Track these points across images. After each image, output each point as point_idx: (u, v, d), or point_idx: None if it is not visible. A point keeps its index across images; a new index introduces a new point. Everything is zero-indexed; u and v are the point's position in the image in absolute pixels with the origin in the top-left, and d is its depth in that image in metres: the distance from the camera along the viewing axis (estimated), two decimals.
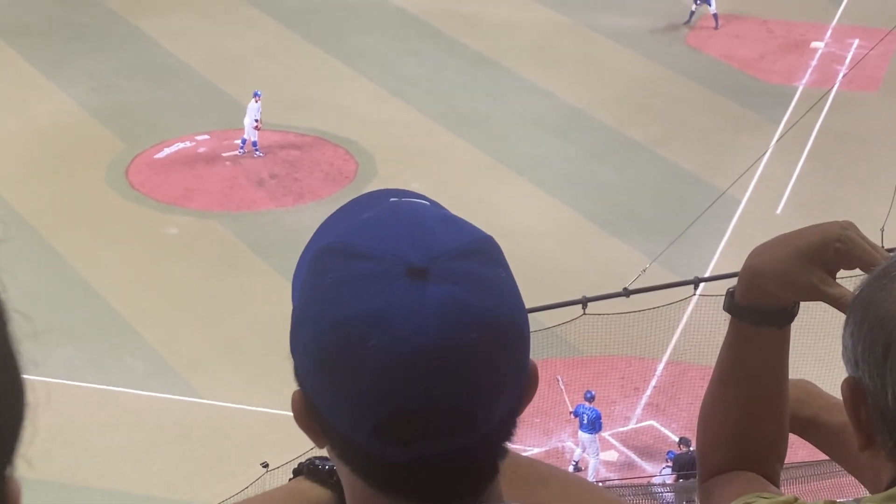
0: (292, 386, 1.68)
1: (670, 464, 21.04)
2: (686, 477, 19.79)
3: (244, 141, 31.11)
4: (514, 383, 1.61)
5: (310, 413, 1.64)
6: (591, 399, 21.54)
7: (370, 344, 1.52)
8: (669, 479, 20.85)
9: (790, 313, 2.38)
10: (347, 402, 1.56)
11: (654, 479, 21.23)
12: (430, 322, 1.52)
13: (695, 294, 18.13)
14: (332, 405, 1.59)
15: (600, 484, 18.28)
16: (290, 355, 1.65)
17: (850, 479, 2.54)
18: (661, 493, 20.79)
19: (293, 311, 1.65)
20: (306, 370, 1.62)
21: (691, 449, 20.62)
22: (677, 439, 21.47)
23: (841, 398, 1.84)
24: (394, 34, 37.58)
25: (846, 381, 1.79)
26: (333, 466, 1.88)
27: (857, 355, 1.76)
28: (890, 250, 2.14)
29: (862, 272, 1.97)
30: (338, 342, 1.55)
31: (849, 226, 2.25)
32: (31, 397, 1.28)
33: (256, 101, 30.80)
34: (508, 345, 1.58)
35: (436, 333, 1.52)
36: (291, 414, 1.69)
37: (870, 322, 1.73)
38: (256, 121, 30.74)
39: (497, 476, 1.67)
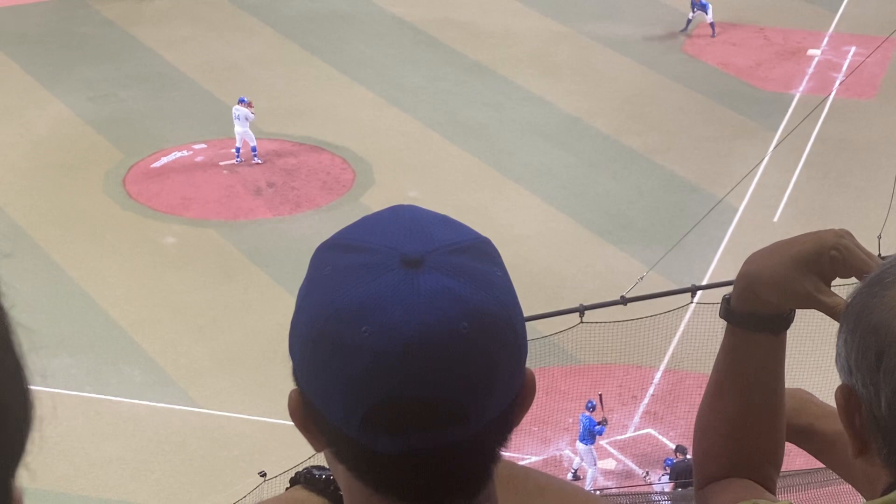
0: (290, 394, 1.68)
1: (668, 471, 21.04)
2: (684, 485, 19.79)
3: (239, 149, 31.11)
4: (507, 380, 1.62)
5: (305, 410, 1.65)
6: (591, 409, 21.52)
7: (362, 330, 1.54)
8: (667, 488, 20.84)
9: (786, 320, 2.38)
10: (340, 391, 1.57)
11: (653, 487, 21.21)
12: (422, 310, 1.54)
13: (692, 302, 18.14)
14: (325, 396, 1.60)
15: (598, 493, 18.27)
16: (289, 354, 1.67)
17: (848, 486, 2.54)
18: (659, 501, 20.78)
19: (294, 309, 1.67)
20: (302, 362, 1.63)
21: (688, 457, 20.63)
22: (674, 447, 21.47)
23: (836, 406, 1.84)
24: (391, 43, 37.62)
25: (840, 388, 1.80)
26: (331, 476, 1.88)
27: (850, 362, 1.76)
28: (884, 258, 2.14)
29: (857, 280, 1.98)
30: (331, 329, 1.57)
31: (844, 234, 2.26)
32: (39, 409, 1.30)
33: (246, 107, 30.75)
34: (500, 338, 1.59)
35: (427, 321, 1.54)
36: (290, 423, 1.69)
37: (862, 329, 1.73)
38: (250, 110, 30.61)
39: (491, 481, 1.68)
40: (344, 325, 1.56)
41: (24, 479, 1.30)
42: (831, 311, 2.17)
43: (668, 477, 21.06)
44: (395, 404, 1.55)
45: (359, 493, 1.66)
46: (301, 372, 1.64)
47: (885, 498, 1.73)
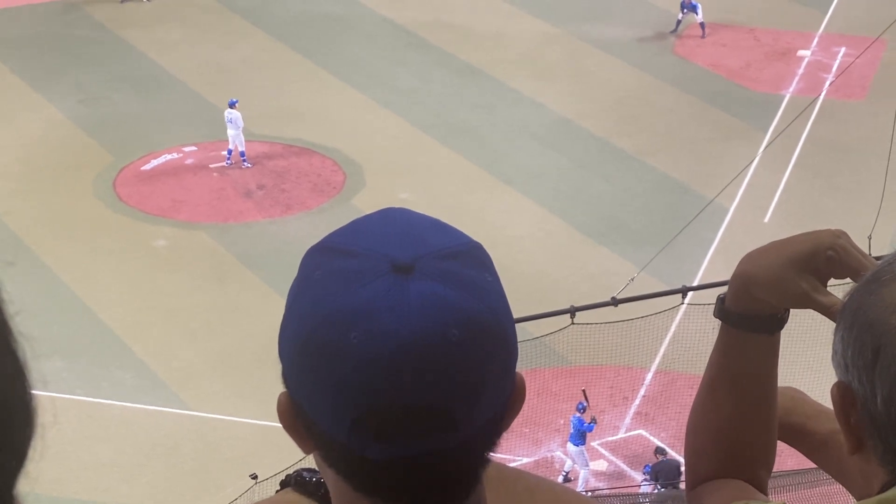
0: (279, 397, 1.68)
1: (647, 478, 21.02)
2: (666, 485, 19.87)
3: (230, 152, 31.11)
4: (497, 387, 1.61)
5: (294, 413, 1.64)
6: (582, 410, 21.53)
7: (352, 336, 1.53)
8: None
9: (780, 320, 2.38)
10: (329, 397, 1.56)
11: (641, 488, 21.24)
12: (412, 317, 1.53)
13: (683, 303, 18.15)
14: (314, 401, 1.59)
15: (589, 494, 18.28)
16: (279, 358, 1.66)
17: (839, 486, 2.54)
18: (650, 502, 20.79)
19: (284, 312, 1.66)
20: (291, 367, 1.62)
21: (667, 457, 20.77)
22: (655, 449, 21.51)
23: (829, 405, 1.84)
24: (383, 45, 37.62)
25: (836, 385, 1.80)
26: (321, 478, 1.87)
27: (846, 360, 1.76)
28: (878, 258, 2.14)
29: (853, 281, 1.97)
30: (321, 335, 1.56)
31: (841, 234, 2.26)
32: (41, 415, 1.30)
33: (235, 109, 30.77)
34: (490, 345, 1.58)
35: (417, 328, 1.53)
36: (281, 425, 1.69)
37: (859, 326, 1.73)
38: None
39: (479, 485, 1.68)
40: (333, 331, 1.55)
41: (23, 484, 1.30)
42: (828, 311, 2.16)
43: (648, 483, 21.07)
44: (384, 411, 1.54)
45: (347, 496, 1.66)
46: (290, 376, 1.63)
47: (882, 496, 1.73)
